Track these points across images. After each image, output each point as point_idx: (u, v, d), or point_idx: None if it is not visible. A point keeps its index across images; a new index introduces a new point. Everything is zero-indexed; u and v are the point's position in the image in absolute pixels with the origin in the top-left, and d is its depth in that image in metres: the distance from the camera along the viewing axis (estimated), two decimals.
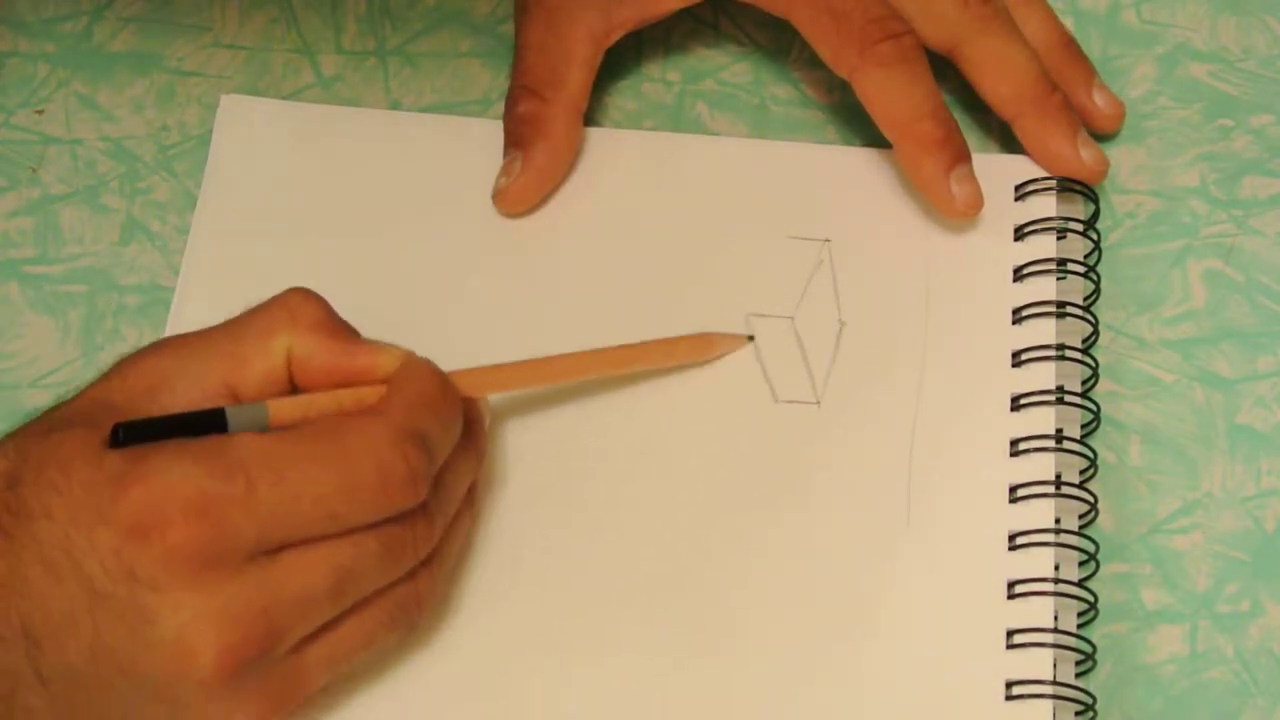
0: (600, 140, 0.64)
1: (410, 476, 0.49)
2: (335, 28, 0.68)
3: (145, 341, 0.61)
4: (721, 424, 0.59)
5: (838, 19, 0.61)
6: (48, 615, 0.47)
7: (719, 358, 0.60)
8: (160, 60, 0.67)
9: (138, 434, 0.48)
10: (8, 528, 0.47)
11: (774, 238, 0.62)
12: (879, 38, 0.61)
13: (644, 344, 0.59)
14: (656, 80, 0.67)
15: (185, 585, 0.47)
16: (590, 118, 0.66)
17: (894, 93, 0.61)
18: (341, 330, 0.53)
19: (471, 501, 0.56)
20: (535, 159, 0.63)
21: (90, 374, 0.61)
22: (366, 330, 0.60)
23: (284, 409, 0.50)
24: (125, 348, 0.61)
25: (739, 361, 0.60)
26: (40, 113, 0.66)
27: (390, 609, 0.52)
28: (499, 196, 0.63)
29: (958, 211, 0.61)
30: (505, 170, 0.63)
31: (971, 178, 0.61)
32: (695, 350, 0.60)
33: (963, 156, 0.61)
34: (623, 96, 0.67)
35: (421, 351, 0.59)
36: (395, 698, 0.55)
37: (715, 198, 0.63)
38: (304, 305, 0.52)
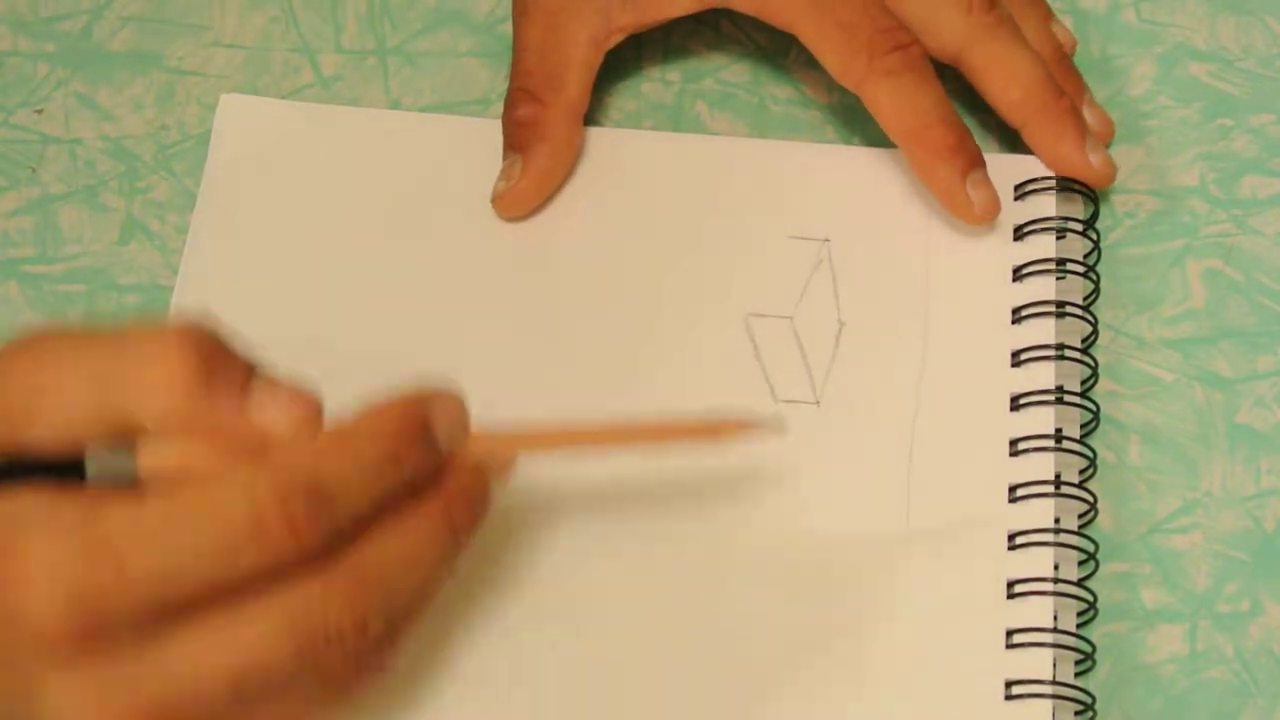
0: (599, 140, 0.64)
1: (289, 526, 0.44)
2: (335, 27, 0.68)
3: None
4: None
5: (845, 31, 0.61)
6: None
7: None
8: (160, 59, 0.67)
9: None
10: None
11: (773, 237, 0.62)
12: (887, 48, 0.61)
13: (672, 423, 0.52)
14: (656, 80, 0.67)
15: (66, 669, 0.43)
16: (590, 117, 0.65)
17: (905, 101, 0.61)
18: (224, 384, 0.46)
19: (450, 560, 0.49)
20: (535, 163, 0.63)
21: None
22: (367, 329, 0.60)
23: (155, 460, 0.46)
24: None
25: (739, 360, 0.60)
26: (39, 112, 0.66)
27: (323, 693, 0.46)
28: (498, 200, 0.63)
29: (975, 216, 0.61)
30: (504, 174, 0.63)
31: (987, 182, 0.61)
32: (710, 433, 0.53)
33: (977, 161, 0.61)
34: (622, 96, 0.67)
35: (420, 353, 0.60)
36: None
37: (714, 198, 0.63)
38: (180, 365, 0.46)
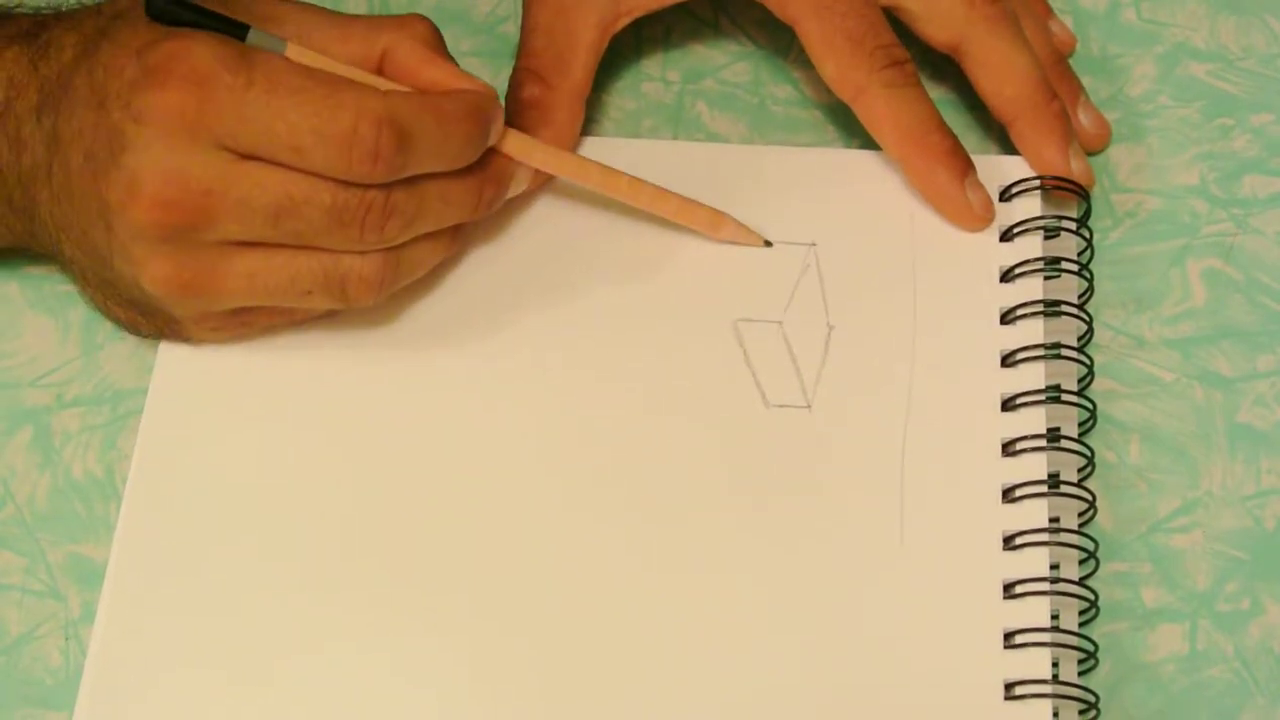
0: (590, 149, 0.64)
1: (373, 152, 0.54)
2: None
3: (144, 343, 0.62)
4: (713, 429, 0.59)
5: (851, 41, 0.62)
6: (70, 121, 0.55)
7: (727, 242, 0.62)
8: None
9: (169, 11, 0.55)
10: (95, 47, 0.56)
11: (760, 243, 0.63)
12: (885, 63, 0.62)
13: (668, 193, 0.61)
14: (656, 79, 0.67)
15: (158, 135, 0.54)
16: (590, 117, 0.66)
17: (901, 109, 0.62)
18: (439, 50, 0.58)
19: (454, 238, 0.60)
20: None
21: (90, 373, 0.61)
22: (359, 332, 0.61)
23: (303, 55, 0.55)
24: (125, 347, 0.62)
25: (729, 366, 0.60)
26: None
27: (327, 268, 0.57)
28: None
29: (975, 217, 0.62)
30: None
31: (981, 185, 0.62)
32: (709, 221, 0.62)
33: (971, 166, 0.62)
34: (622, 96, 0.67)
35: (409, 354, 0.60)
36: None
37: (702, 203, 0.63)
38: (418, 22, 0.58)
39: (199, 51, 0.54)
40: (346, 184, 0.55)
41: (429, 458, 0.59)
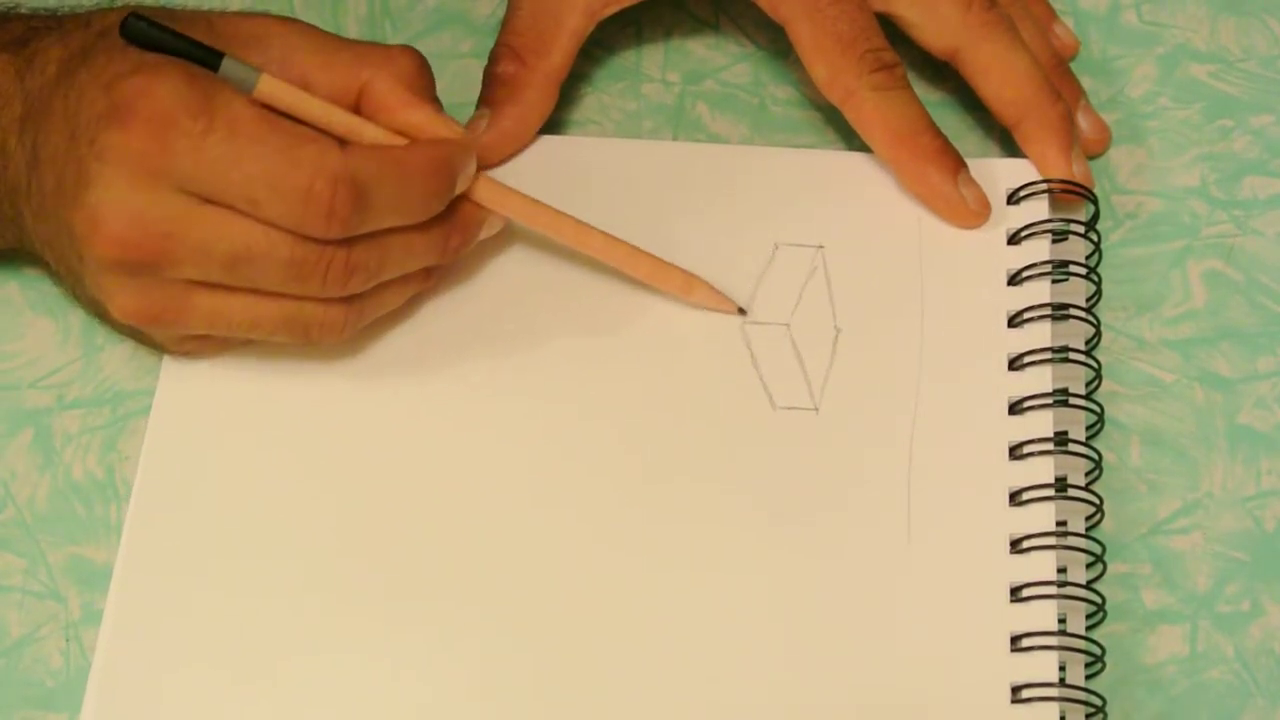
0: (591, 150, 0.64)
1: (328, 210, 0.54)
2: (335, 28, 0.67)
3: (144, 345, 0.61)
4: (721, 431, 0.59)
5: (841, 44, 0.62)
6: (46, 144, 0.55)
7: (699, 307, 0.61)
8: None
9: (145, 34, 0.55)
10: (74, 68, 0.55)
11: (766, 245, 0.62)
12: (875, 66, 0.62)
13: (641, 253, 0.61)
14: (657, 80, 0.67)
15: (120, 174, 0.53)
16: (590, 118, 0.66)
17: (892, 112, 0.62)
18: (421, 89, 0.58)
19: (425, 277, 0.60)
20: (501, 123, 0.63)
21: (90, 374, 0.61)
22: (364, 339, 0.61)
23: (274, 90, 0.55)
24: (126, 349, 0.62)
25: (737, 369, 0.60)
26: None
27: (289, 314, 0.57)
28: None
29: (972, 214, 0.62)
30: (471, 126, 0.63)
31: (975, 182, 0.62)
32: (681, 285, 0.61)
33: (962, 163, 0.62)
34: (623, 97, 0.67)
35: (416, 359, 0.60)
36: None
37: (708, 205, 0.63)
38: (404, 57, 0.58)
39: (162, 92, 0.53)
40: (305, 238, 0.55)
41: (434, 463, 0.59)
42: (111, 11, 0.57)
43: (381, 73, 0.57)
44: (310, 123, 0.56)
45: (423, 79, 0.58)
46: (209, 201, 0.54)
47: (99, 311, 0.59)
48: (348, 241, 0.55)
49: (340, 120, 0.56)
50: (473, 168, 0.58)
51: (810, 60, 0.63)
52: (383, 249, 0.56)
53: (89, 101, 0.54)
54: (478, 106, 0.64)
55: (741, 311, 0.61)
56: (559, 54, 0.64)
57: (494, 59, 0.64)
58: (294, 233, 0.54)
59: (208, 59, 0.55)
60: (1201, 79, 0.67)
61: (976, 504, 0.58)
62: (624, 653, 0.56)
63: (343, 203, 0.54)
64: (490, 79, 0.64)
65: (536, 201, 0.60)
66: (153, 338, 0.59)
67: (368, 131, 0.56)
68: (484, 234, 0.60)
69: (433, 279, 0.61)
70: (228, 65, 0.55)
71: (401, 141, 0.57)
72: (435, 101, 0.58)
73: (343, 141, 0.55)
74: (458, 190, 0.58)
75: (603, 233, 0.60)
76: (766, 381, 0.60)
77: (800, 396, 0.60)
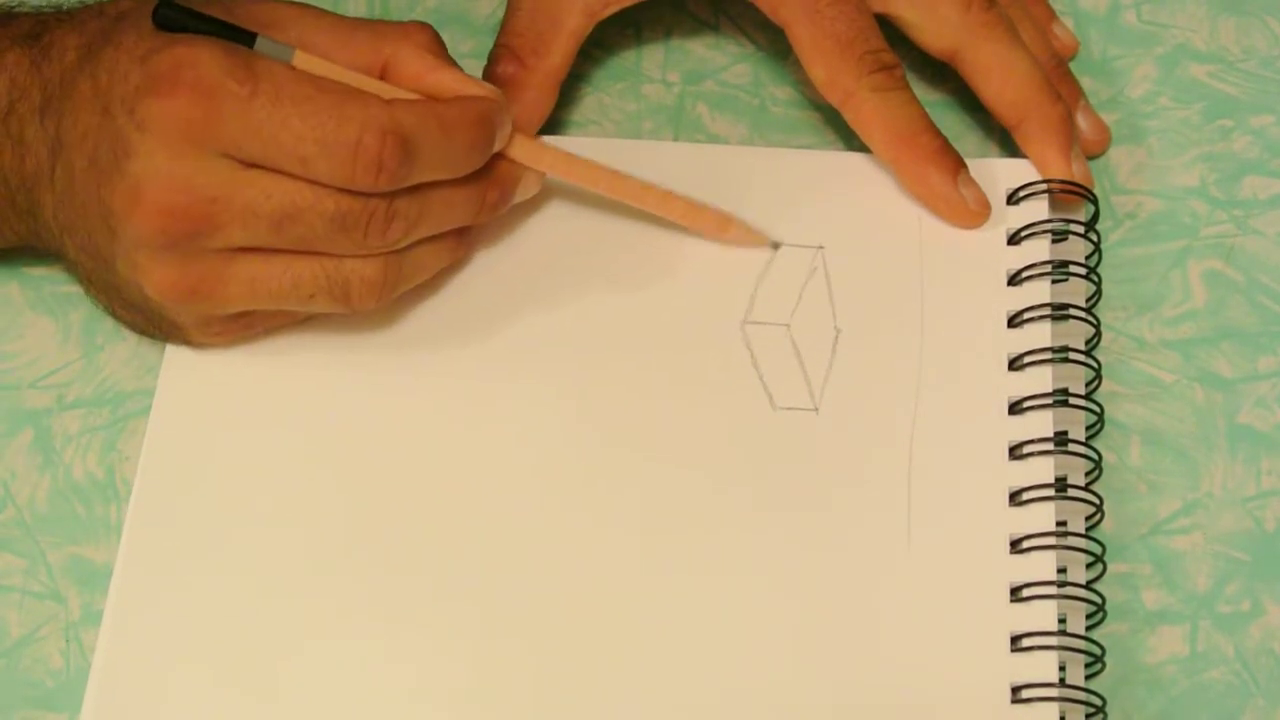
0: (593, 150, 0.63)
1: (377, 162, 0.54)
2: None
3: (145, 345, 0.61)
4: (721, 431, 0.59)
5: (841, 45, 0.62)
6: (74, 125, 0.55)
7: (734, 244, 0.62)
8: None
9: (177, 20, 0.55)
10: (98, 49, 0.56)
11: (767, 245, 0.62)
12: (874, 67, 0.62)
13: (675, 195, 0.61)
14: (657, 81, 0.67)
15: (163, 142, 0.54)
16: (590, 118, 0.66)
17: (892, 113, 0.62)
18: (441, 54, 0.58)
19: (459, 243, 0.60)
20: None
21: (90, 374, 0.61)
22: (364, 338, 0.61)
23: (309, 65, 0.55)
24: (126, 349, 0.62)
25: (737, 369, 0.60)
26: None
27: (330, 273, 0.57)
28: None
29: (971, 214, 0.62)
30: None
31: (975, 182, 0.62)
32: (716, 223, 0.62)
33: (962, 164, 0.62)
34: (623, 98, 0.67)
35: (416, 357, 0.60)
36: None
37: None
38: (419, 30, 0.58)
39: (205, 59, 0.54)
40: (350, 192, 0.55)
41: (435, 462, 0.59)
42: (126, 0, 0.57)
43: (403, 45, 0.57)
44: None
45: (441, 48, 0.58)
46: (254, 165, 0.54)
47: (124, 299, 0.58)
48: (390, 195, 0.56)
49: (375, 89, 0.56)
50: (508, 125, 0.58)
51: (809, 61, 0.63)
52: (423, 201, 0.57)
53: (121, 76, 0.54)
54: None
55: (775, 245, 0.62)
56: (558, 54, 0.64)
57: (493, 59, 0.64)
58: (341, 188, 0.55)
59: (241, 39, 0.55)
60: (1201, 79, 0.67)
61: (976, 504, 0.58)
62: (624, 653, 0.56)
63: (391, 155, 0.54)
64: (489, 79, 0.63)
65: (572, 155, 0.61)
66: (179, 321, 0.59)
67: (402, 97, 0.56)
68: (520, 195, 0.60)
69: (464, 249, 0.61)
70: (262, 43, 0.55)
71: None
72: (459, 67, 0.58)
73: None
74: (496, 146, 0.58)
75: (637, 179, 0.61)
76: (766, 382, 0.60)
77: (800, 397, 0.60)
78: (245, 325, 0.59)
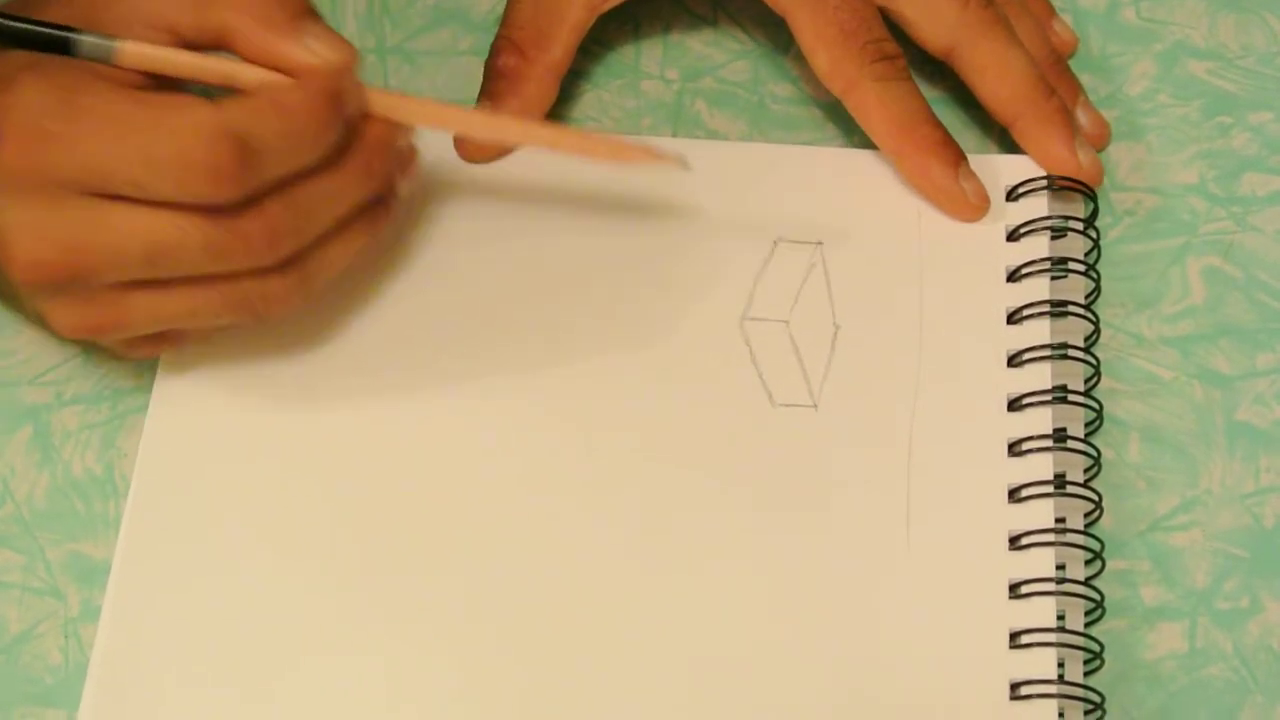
0: None
1: (213, 170, 0.51)
2: (335, 25, 0.67)
3: (104, 354, 0.61)
4: (719, 427, 0.59)
5: (844, 34, 0.62)
6: None
7: (640, 168, 0.59)
8: None
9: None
10: None
11: (766, 242, 0.62)
12: (877, 57, 0.62)
13: (564, 128, 0.61)
14: (655, 78, 0.67)
15: (10, 194, 0.52)
16: (589, 115, 0.66)
17: (893, 103, 0.62)
18: (285, 15, 0.54)
19: (369, 225, 0.57)
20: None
21: (89, 371, 0.61)
22: (363, 331, 0.60)
23: (137, 55, 0.53)
24: None
25: (736, 365, 0.60)
26: None
27: (227, 296, 0.54)
28: (459, 144, 0.63)
29: (971, 207, 0.62)
30: None
31: (975, 175, 0.62)
32: (609, 151, 0.58)
33: (963, 157, 0.63)
34: (621, 94, 0.67)
35: (412, 355, 0.60)
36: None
37: (706, 202, 0.63)
38: None
39: (23, 104, 0.51)
40: (215, 217, 0.52)
41: (433, 458, 0.59)
42: None
43: (233, 10, 0.54)
44: (185, 78, 0.53)
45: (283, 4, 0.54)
46: (115, 199, 0.52)
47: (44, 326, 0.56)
48: (259, 205, 0.52)
49: (213, 69, 0.54)
50: (359, 87, 0.55)
51: (811, 50, 0.63)
52: (300, 201, 0.53)
53: None
54: (478, 100, 0.64)
55: (684, 165, 0.58)
56: (559, 47, 0.64)
57: (494, 52, 0.64)
58: (195, 209, 0.52)
59: (57, 42, 0.52)
60: (1200, 76, 0.67)
61: (975, 500, 0.58)
62: (623, 651, 0.56)
63: (226, 159, 0.51)
64: (491, 72, 0.64)
65: (439, 102, 0.58)
66: (102, 345, 0.58)
67: (244, 75, 0.54)
68: (407, 167, 0.57)
69: (380, 224, 0.58)
70: (83, 44, 0.52)
71: (281, 79, 0.54)
72: (306, 19, 0.54)
73: (217, 97, 0.52)
74: (348, 111, 0.54)
75: (516, 119, 0.60)
76: (765, 378, 0.60)
77: (799, 393, 0.60)
78: (172, 339, 0.58)
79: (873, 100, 0.62)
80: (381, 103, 0.55)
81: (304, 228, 0.54)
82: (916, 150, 0.62)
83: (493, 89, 0.63)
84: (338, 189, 0.55)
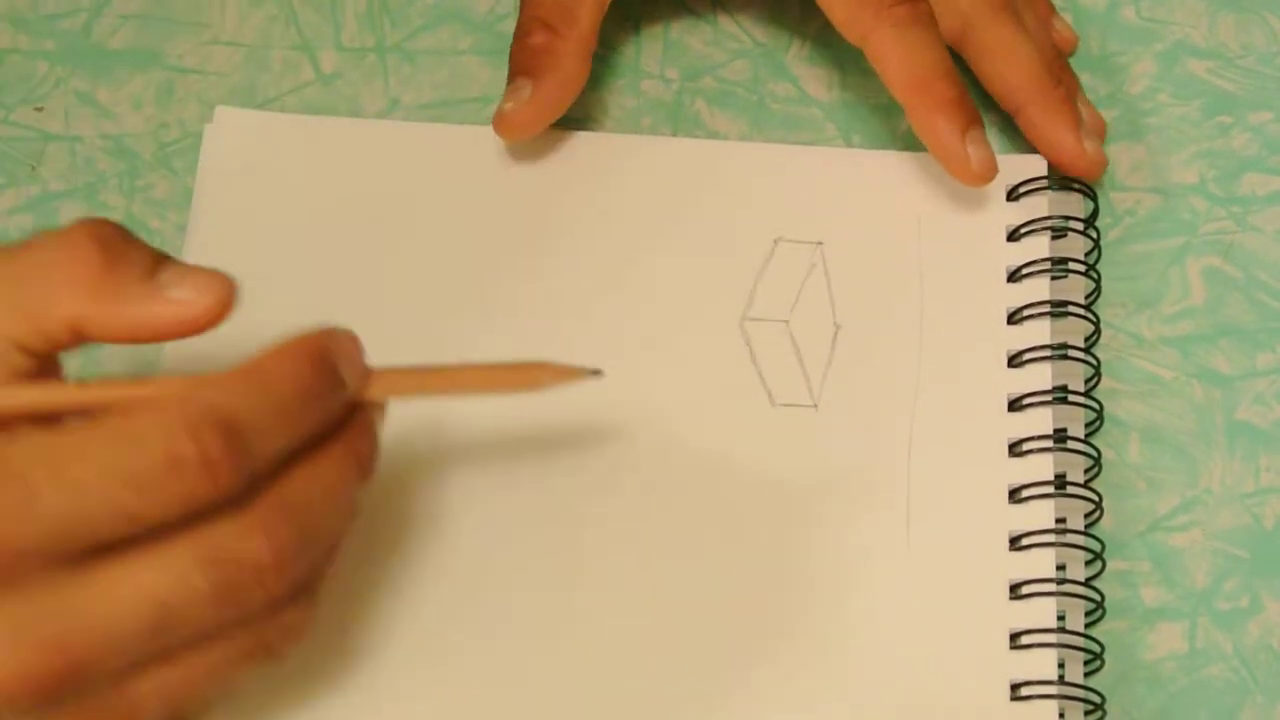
0: (589, 145, 0.64)
1: (205, 463, 0.43)
2: (334, 24, 0.67)
3: None
4: (719, 427, 0.59)
5: None
6: None
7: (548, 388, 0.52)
8: (159, 57, 0.67)
9: None
10: None
11: (766, 241, 0.62)
12: (894, 1, 0.61)
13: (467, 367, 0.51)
14: (655, 77, 0.67)
15: None
16: (588, 115, 0.65)
17: (910, 52, 0.61)
18: (130, 273, 0.46)
19: (353, 508, 0.49)
20: (545, 88, 0.62)
21: (90, 372, 0.61)
22: (363, 333, 0.60)
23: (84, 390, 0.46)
24: (126, 349, 0.61)
25: (736, 365, 0.60)
26: (39, 110, 0.66)
27: (244, 649, 0.46)
28: (501, 121, 0.62)
29: (973, 174, 0.61)
30: (511, 96, 0.62)
31: (985, 142, 0.61)
32: (519, 379, 0.51)
33: (976, 120, 0.61)
34: (621, 94, 0.67)
35: (412, 351, 0.59)
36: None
37: (707, 202, 0.63)
38: (81, 263, 0.46)
39: None
40: (216, 557, 0.44)
41: (432, 459, 0.59)
42: None
43: (72, 300, 0.45)
44: (64, 410, 0.45)
45: (121, 245, 0.46)
46: (94, 559, 0.43)
47: None
48: (265, 526, 0.44)
49: (75, 398, 0.45)
50: (356, 352, 0.48)
51: (829, 5, 0.62)
52: (299, 509, 0.46)
53: None
54: (510, 80, 0.62)
55: (596, 373, 0.52)
56: (586, 21, 0.63)
57: (524, 32, 0.63)
58: (194, 540, 0.43)
59: None
60: (1200, 75, 0.67)
61: (975, 501, 0.58)
62: (621, 650, 0.56)
63: (215, 446, 0.43)
64: (525, 51, 0.62)
65: (430, 371, 0.50)
66: None
67: (114, 391, 0.46)
68: (379, 426, 0.49)
69: (356, 510, 0.49)
70: None
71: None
72: (157, 268, 0.46)
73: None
74: (348, 381, 0.47)
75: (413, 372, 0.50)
76: (765, 378, 0.60)
77: (799, 393, 0.60)
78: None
79: (889, 46, 0.60)
80: (381, 382, 0.49)
81: (312, 535, 0.46)
82: (927, 105, 0.61)
83: (533, 65, 0.62)
84: (335, 475, 0.47)
